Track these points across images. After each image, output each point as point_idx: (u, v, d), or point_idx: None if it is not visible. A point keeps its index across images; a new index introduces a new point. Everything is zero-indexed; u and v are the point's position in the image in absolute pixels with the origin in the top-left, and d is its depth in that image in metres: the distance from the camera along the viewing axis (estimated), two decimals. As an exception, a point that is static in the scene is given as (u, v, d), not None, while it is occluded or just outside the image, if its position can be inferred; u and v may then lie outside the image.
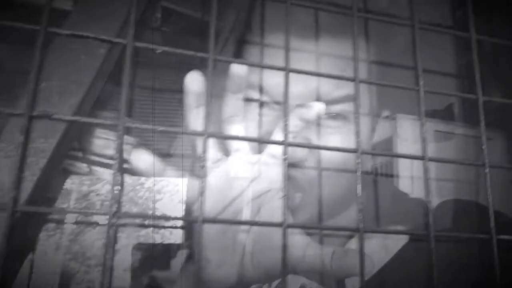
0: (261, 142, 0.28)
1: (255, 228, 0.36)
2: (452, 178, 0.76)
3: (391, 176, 1.21)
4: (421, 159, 0.29)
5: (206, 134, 0.25)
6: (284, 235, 0.25)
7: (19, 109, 0.23)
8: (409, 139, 1.32)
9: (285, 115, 0.27)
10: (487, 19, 0.41)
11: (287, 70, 0.28)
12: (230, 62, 0.29)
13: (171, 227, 0.27)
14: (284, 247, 0.25)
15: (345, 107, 0.47)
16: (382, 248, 0.47)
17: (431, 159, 0.29)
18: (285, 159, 0.26)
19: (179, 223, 0.41)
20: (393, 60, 0.48)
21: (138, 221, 0.30)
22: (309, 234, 0.36)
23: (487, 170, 0.30)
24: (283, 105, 0.27)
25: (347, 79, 0.30)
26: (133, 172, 0.36)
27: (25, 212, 0.24)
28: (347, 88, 0.46)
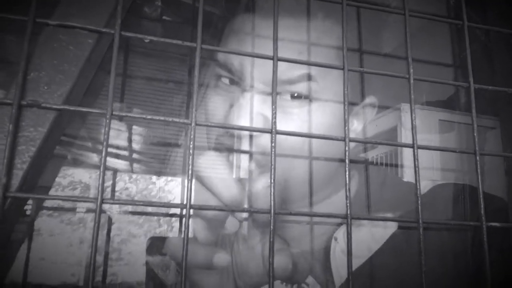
0: (249, 130, 0.29)
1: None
2: (456, 167, 0.76)
3: (396, 165, 1.21)
4: (411, 147, 0.30)
5: (193, 123, 0.26)
6: (274, 223, 0.26)
7: (8, 98, 0.24)
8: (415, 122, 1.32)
9: (273, 103, 0.28)
10: (482, 10, 0.41)
11: (275, 58, 0.28)
12: (217, 51, 0.30)
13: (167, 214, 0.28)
14: (273, 234, 0.26)
15: (304, 87, 0.47)
16: (371, 235, 0.47)
17: (419, 147, 0.30)
18: (272, 148, 0.27)
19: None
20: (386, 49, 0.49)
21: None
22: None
23: (477, 157, 0.31)
24: (272, 93, 0.28)
25: (336, 67, 0.30)
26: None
27: (17, 198, 0.24)
28: (305, 68, 0.46)
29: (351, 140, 0.29)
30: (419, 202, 0.29)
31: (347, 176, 0.28)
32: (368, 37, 0.52)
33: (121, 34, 0.26)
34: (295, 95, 0.47)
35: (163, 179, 0.43)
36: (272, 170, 0.26)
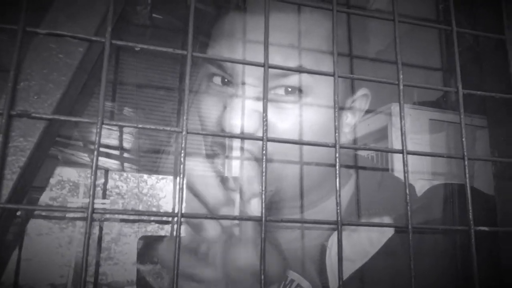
0: (241, 138, 0.29)
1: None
2: (449, 167, 0.77)
3: (386, 164, 1.22)
4: (400, 153, 0.30)
5: (184, 131, 0.26)
6: (264, 230, 0.26)
7: (-2, 108, 0.24)
8: (406, 128, 1.33)
9: (264, 110, 0.28)
10: (471, 14, 0.42)
11: (266, 65, 0.29)
12: (208, 58, 0.30)
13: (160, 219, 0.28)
14: (264, 241, 0.26)
15: (298, 80, 0.46)
16: (369, 239, 0.48)
17: (409, 153, 0.30)
18: (264, 155, 0.27)
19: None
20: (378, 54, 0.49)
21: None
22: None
23: (466, 162, 0.31)
24: (263, 99, 0.28)
25: (327, 74, 0.30)
26: None
27: (7, 208, 0.24)
28: (298, 60, 0.46)
29: (341, 147, 0.29)
30: (409, 207, 0.30)
31: (337, 182, 0.28)
32: (356, 37, 0.52)
33: (112, 43, 0.26)
34: (289, 89, 0.46)
35: (154, 177, 0.44)
36: (264, 177, 0.27)
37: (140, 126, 0.26)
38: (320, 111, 0.48)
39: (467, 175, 0.31)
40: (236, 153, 0.46)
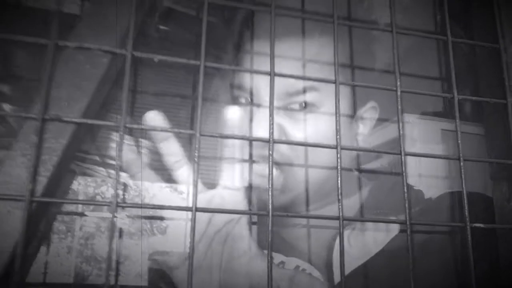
0: (247, 139, 0.32)
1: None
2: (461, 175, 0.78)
3: (398, 174, 1.23)
4: (398, 154, 0.33)
5: (198, 133, 0.29)
6: (271, 224, 0.29)
7: (33, 113, 0.27)
8: (418, 138, 1.34)
9: (270, 114, 0.31)
10: (466, 24, 0.44)
11: (272, 74, 0.31)
12: (220, 68, 0.33)
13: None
14: (272, 233, 0.29)
15: (309, 97, 0.52)
16: (374, 238, 0.50)
17: (407, 154, 0.33)
18: (270, 155, 0.30)
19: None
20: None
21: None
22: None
23: (461, 163, 0.33)
24: (269, 105, 0.31)
25: (328, 81, 0.33)
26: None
27: (40, 203, 0.27)
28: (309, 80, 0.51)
29: (342, 148, 0.31)
30: (407, 205, 0.32)
31: (339, 182, 0.31)
32: (363, 52, 0.55)
33: (133, 55, 0.29)
34: (303, 105, 0.52)
35: (155, 185, 0.47)
36: (270, 175, 0.29)
37: (159, 129, 0.29)
38: (332, 122, 0.52)
39: (463, 175, 0.34)
40: (260, 159, 0.50)
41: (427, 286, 0.44)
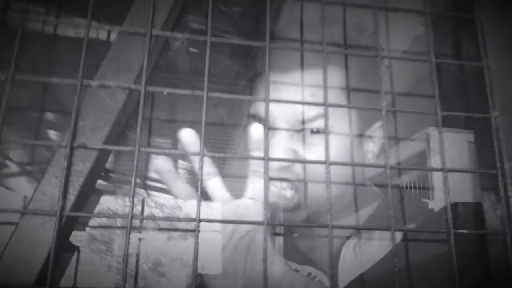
0: (247, 158, 0.35)
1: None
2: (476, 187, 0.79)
3: (426, 188, 1.23)
4: (383, 168, 0.36)
5: (201, 154, 0.33)
6: (265, 232, 0.33)
7: (64, 142, 0.32)
8: (444, 151, 1.35)
9: (265, 136, 0.35)
10: (455, 44, 0.47)
11: (267, 100, 0.36)
12: (223, 97, 0.37)
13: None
14: (265, 241, 0.32)
15: (320, 124, 0.58)
16: (378, 247, 0.53)
17: (392, 167, 0.36)
18: (265, 173, 0.34)
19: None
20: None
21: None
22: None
23: (445, 174, 0.36)
24: (264, 129, 0.35)
25: (317, 104, 0.37)
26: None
27: (69, 217, 0.33)
28: (319, 108, 0.56)
29: (331, 163, 0.35)
30: (392, 212, 0.35)
31: (328, 192, 0.34)
32: (372, 76, 0.60)
33: (146, 89, 0.34)
34: (314, 130, 0.57)
35: (189, 203, 0.52)
36: (265, 189, 0.33)
37: (167, 151, 0.34)
38: (340, 145, 0.57)
39: (448, 185, 0.36)
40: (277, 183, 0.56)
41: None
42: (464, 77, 0.44)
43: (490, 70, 0.41)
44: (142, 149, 0.33)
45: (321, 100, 0.56)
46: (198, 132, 0.46)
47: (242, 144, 0.65)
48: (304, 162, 0.36)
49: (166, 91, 0.36)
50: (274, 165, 0.54)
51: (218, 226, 0.47)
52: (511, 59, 0.41)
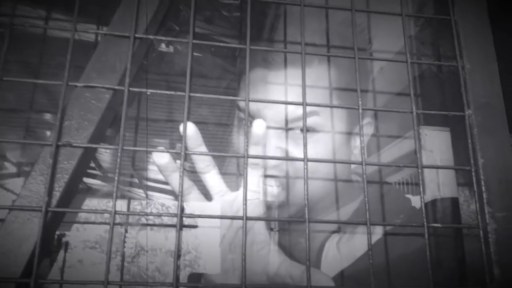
0: (225, 156, 0.37)
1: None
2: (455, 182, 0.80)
3: (418, 185, 1.25)
4: (360, 164, 0.37)
5: (182, 152, 0.35)
6: (245, 226, 0.34)
7: (49, 140, 0.33)
8: (434, 150, 1.35)
9: (245, 134, 0.36)
10: (434, 45, 0.49)
11: (247, 100, 0.37)
12: (204, 97, 0.39)
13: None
14: (245, 236, 0.34)
15: (312, 120, 0.57)
16: (360, 242, 0.54)
17: (367, 163, 0.37)
18: (245, 170, 0.35)
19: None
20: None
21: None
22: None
23: (420, 170, 0.38)
24: (244, 127, 0.36)
25: (296, 103, 0.38)
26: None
27: (55, 213, 0.34)
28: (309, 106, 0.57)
29: (309, 160, 0.36)
30: (367, 207, 0.36)
31: (305, 189, 0.36)
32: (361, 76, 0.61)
33: (129, 90, 0.36)
34: (302, 129, 0.57)
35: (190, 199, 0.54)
36: (244, 186, 0.35)
37: (150, 149, 0.35)
38: (331, 142, 0.58)
39: (421, 182, 0.38)
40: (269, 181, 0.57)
41: (403, 284, 0.48)
42: (443, 76, 0.46)
43: (465, 70, 0.42)
44: (125, 147, 0.34)
45: (314, 98, 0.57)
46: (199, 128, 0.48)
47: (231, 145, 0.66)
48: (282, 159, 0.38)
49: (149, 91, 0.38)
50: (269, 163, 0.55)
51: (217, 221, 0.49)
52: (485, 59, 0.42)
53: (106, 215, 0.33)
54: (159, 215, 0.32)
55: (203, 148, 0.48)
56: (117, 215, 0.32)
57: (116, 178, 0.33)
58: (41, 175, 0.34)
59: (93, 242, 0.47)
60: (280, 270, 0.47)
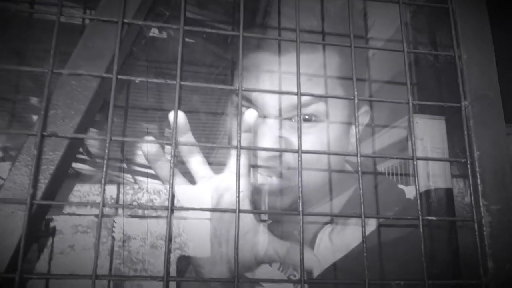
0: (217, 147, 0.36)
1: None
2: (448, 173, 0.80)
3: (407, 175, 1.25)
4: (355, 156, 0.36)
5: (173, 143, 0.34)
6: (237, 219, 0.33)
7: (34, 130, 0.32)
8: (425, 138, 1.36)
9: (239, 124, 0.35)
10: (431, 34, 0.48)
11: (240, 89, 0.36)
12: (194, 86, 0.38)
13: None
14: (237, 229, 0.33)
15: (314, 109, 0.56)
16: (353, 234, 0.54)
17: (362, 155, 0.37)
18: (237, 161, 0.34)
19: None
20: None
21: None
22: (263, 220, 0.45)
23: (415, 162, 0.37)
24: (237, 117, 0.35)
25: (291, 93, 0.37)
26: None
27: (41, 205, 0.33)
28: (314, 89, 0.55)
29: (303, 152, 0.36)
30: (362, 199, 0.36)
31: (300, 181, 0.35)
32: (359, 65, 0.60)
33: (118, 78, 0.34)
34: (306, 117, 0.56)
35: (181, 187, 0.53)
36: (237, 178, 0.34)
37: (140, 139, 0.34)
38: (332, 131, 0.57)
39: (416, 173, 0.37)
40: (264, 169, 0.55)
41: (398, 276, 0.47)
42: (439, 66, 0.45)
43: (462, 59, 0.41)
44: (113, 138, 0.33)
45: (317, 85, 0.55)
46: (188, 117, 0.46)
47: (228, 134, 0.64)
48: (276, 150, 0.37)
49: (137, 79, 0.36)
50: (262, 153, 0.54)
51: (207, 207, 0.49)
52: (483, 49, 0.42)
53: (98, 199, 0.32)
54: (150, 208, 0.31)
55: (190, 136, 0.47)
56: (107, 205, 0.32)
57: (104, 169, 0.32)
58: (26, 166, 0.32)
59: (85, 227, 0.46)
60: (268, 250, 0.47)
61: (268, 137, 0.54)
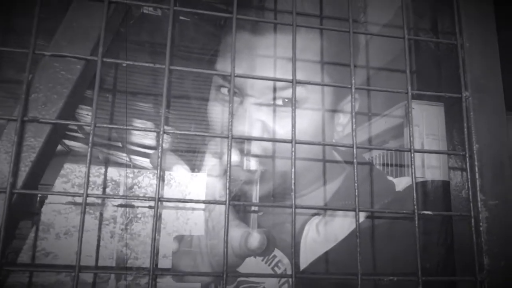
0: (209, 136, 0.35)
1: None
2: (442, 164, 0.80)
3: (396, 164, 1.25)
4: (350, 147, 0.35)
5: (161, 131, 0.32)
6: (227, 211, 0.32)
7: (14, 115, 0.31)
8: (420, 124, 1.35)
9: (231, 113, 0.34)
10: (432, 21, 0.47)
11: (232, 75, 0.35)
12: (184, 71, 0.36)
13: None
14: (227, 222, 0.32)
15: (297, 92, 0.53)
16: (341, 225, 0.53)
17: (358, 147, 0.35)
18: (228, 151, 0.33)
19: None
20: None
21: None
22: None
23: (412, 154, 0.36)
24: (229, 104, 0.34)
25: (285, 80, 0.36)
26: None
27: (21, 194, 0.31)
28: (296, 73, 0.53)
29: (297, 142, 0.35)
30: (357, 193, 0.35)
31: (293, 172, 0.34)
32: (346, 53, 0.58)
33: (103, 61, 0.33)
34: (286, 100, 0.53)
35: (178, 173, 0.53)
36: (228, 169, 0.33)
37: (127, 127, 0.33)
38: (313, 117, 0.55)
39: (413, 165, 0.36)
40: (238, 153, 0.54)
41: (389, 269, 0.47)
42: (440, 53, 0.44)
43: (464, 48, 0.40)
44: (98, 124, 0.32)
45: (300, 69, 0.53)
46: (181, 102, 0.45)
47: (206, 118, 0.62)
48: (270, 140, 0.36)
49: (124, 63, 0.35)
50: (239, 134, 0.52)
51: (201, 191, 0.48)
52: (486, 38, 0.41)
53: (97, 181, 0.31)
54: (138, 199, 0.30)
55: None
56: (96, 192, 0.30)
57: (88, 156, 0.31)
58: (5, 153, 0.31)
59: (89, 207, 0.46)
60: (241, 242, 0.46)
61: (246, 119, 0.53)
